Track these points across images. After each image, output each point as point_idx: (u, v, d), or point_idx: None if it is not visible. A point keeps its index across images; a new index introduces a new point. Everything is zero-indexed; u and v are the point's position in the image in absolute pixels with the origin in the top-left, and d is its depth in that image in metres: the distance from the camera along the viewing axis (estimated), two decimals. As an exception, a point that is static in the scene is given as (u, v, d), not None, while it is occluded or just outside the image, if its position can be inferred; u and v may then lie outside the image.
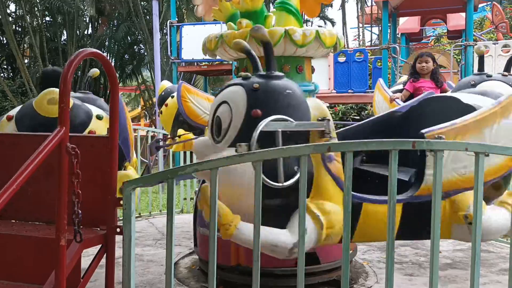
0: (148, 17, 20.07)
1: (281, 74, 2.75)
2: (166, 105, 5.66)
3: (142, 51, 21.95)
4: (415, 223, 2.57)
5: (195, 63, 11.96)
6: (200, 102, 5.12)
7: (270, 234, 2.31)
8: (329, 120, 2.55)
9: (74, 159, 1.85)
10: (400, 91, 5.56)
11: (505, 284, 2.44)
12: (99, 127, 3.24)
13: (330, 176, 2.46)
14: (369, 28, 26.23)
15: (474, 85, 3.84)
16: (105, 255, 2.20)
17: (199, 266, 4.27)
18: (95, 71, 4.29)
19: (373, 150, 2.15)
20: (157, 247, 5.10)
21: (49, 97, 3.13)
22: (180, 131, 4.93)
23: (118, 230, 2.16)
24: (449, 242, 5.35)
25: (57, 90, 3.41)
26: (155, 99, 12.61)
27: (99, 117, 3.36)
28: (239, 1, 3.54)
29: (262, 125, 2.31)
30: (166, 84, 6.07)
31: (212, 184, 1.96)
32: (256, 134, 2.30)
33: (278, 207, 2.46)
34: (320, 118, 2.55)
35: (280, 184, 2.33)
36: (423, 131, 2.47)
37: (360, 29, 26.40)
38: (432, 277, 1.87)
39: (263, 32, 2.76)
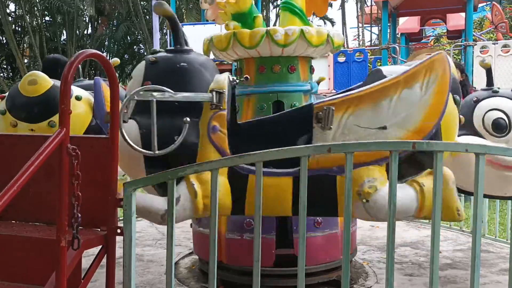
0: (147, 17, 20.08)
1: (188, 49, 2.88)
2: None
3: (142, 51, 21.96)
4: (315, 199, 2.43)
5: (195, 63, 11.93)
6: None
7: (146, 200, 2.37)
8: (219, 92, 2.54)
9: (74, 160, 1.85)
10: None
11: (505, 284, 2.44)
12: (76, 107, 3.41)
13: (214, 146, 2.50)
14: (369, 28, 26.24)
15: (476, 102, 3.64)
16: (105, 256, 2.20)
17: (199, 266, 4.28)
18: (115, 60, 4.39)
19: None
20: (157, 247, 5.10)
21: (30, 79, 3.46)
22: None
23: (118, 230, 2.16)
24: (449, 242, 5.36)
25: (39, 72, 3.58)
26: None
27: (77, 98, 3.56)
28: (224, 4, 3.56)
29: (131, 94, 2.44)
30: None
31: (212, 184, 1.96)
32: (124, 102, 2.43)
33: None
34: (210, 90, 2.56)
35: (152, 152, 2.42)
36: (313, 103, 2.48)
37: (360, 29, 26.40)
38: (432, 277, 1.87)
39: (165, 7, 2.79)
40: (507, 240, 5.40)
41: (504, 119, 3.54)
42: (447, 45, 13.04)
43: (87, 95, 3.80)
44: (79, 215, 1.85)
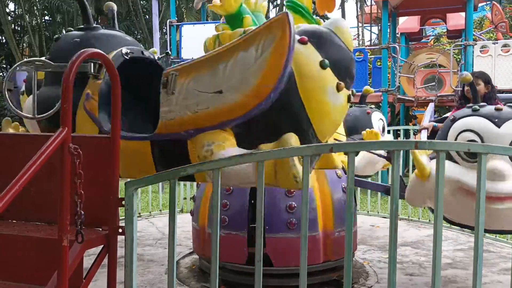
0: (147, 16, 20.07)
1: (95, 26, 3.13)
2: None
3: (142, 50, 21.92)
4: (165, 161, 2.64)
5: (195, 63, 11.91)
6: None
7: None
8: (97, 63, 2.78)
9: (76, 160, 1.85)
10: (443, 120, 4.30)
11: (506, 284, 2.44)
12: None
13: (87, 114, 2.69)
14: (369, 28, 26.22)
15: (453, 121, 3.25)
16: (107, 255, 2.19)
17: (199, 265, 4.28)
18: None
19: None
20: (158, 247, 5.10)
21: None
22: None
23: (120, 230, 2.16)
24: (449, 242, 5.36)
25: None
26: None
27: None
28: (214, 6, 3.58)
29: (15, 65, 2.86)
30: None
31: (215, 184, 1.96)
32: (8, 73, 3.08)
33: None
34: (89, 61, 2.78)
35: (32, 116, 2.78)
36: (165, 70, 2.56)
37: (360, 29, 26.38)
38: (434, 278, 1.87)
39: None
40: (507, 240, 5.40)
41: (476, 142, 3.03)
42: (447, 44, 13.03)
43: None
44: (83, 212, 1.85)
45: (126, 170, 2.70)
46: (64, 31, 5.23)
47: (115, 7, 3.46)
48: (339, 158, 2.30)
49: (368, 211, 6.97)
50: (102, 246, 2.19)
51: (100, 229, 2.21)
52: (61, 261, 1.81)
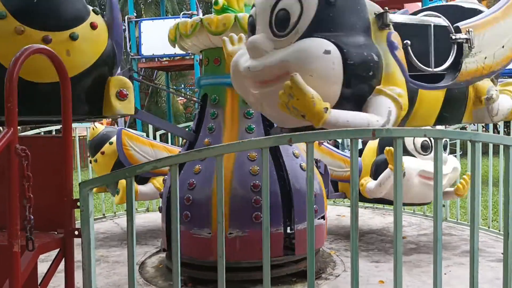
0: (105, 12, 19.55)
1: None
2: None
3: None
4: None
5: (156, 59, 11.73)
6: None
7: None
8: None
9: (24, 161, 1.76)
10: None
11: (468, 265, 2.49)
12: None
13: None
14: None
15: None
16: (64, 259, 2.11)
17: (166, 264, 4.22)
18: None
19: None
20: (123, 248, 4.99)
21: None
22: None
23: (76, 232, 2.08)
24: (413, 227, 5.47)
25: None
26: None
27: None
28: None
29: None
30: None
31: (173, 180, 1.91)
32: None
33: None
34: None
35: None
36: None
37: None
38: (396, 263, 1.88)
39: None
40: (468, 223, 5.56)
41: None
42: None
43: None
44: (32, 217, 1.76)
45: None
46: None
47: None
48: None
49: (334, 201, 7.04)
50: (58, 249, 2.11)
51: (56, 232, 2.12)
52: (12, 268, 1.72)
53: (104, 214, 6.54)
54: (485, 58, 2.96)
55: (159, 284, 3.85)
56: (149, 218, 6.32)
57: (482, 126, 6.01)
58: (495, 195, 6.80)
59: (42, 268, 2.13)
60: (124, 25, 13.21)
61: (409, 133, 2.07)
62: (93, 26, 2.92)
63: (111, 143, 5.04)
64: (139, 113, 3.68)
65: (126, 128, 5.07)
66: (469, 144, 4.62)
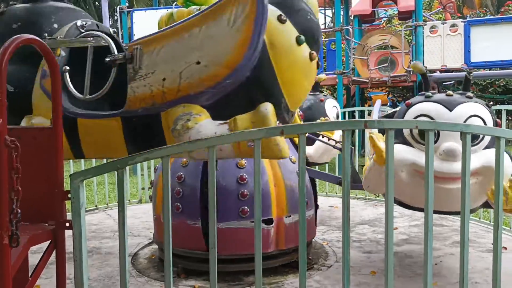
0: (97, 3, 19.37)
1: None
2: None
3: (93, 38, 21.22)
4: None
5: (148, 50, 11.62)
6: None
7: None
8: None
9: (14, 153, 1.74)
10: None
11: (458, 256, 2.52)
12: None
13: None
14: (323, 11, 26.34)
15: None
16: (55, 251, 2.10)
17: (158, 255, 4.22)
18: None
19: None
20: (115, 239, 4.98)
21: None
22: None
23: (67, 224, 2.07)
24: (404, 218, 5.51)
25: None
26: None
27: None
28: None
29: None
30: None
31: (164, 172, 1.90)
32: None
33: None
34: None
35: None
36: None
37: (314, 12, 26.44)
38: (387, 254, 1.89)
39: None
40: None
41: None
42: (399, 26, 13.28)
43: None
44: (19, 210, 1.74)
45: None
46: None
47: None
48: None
49: (326, 193, 7.08)
50: (49, 241, 2.09)
51: (47, 224, 2.11)
52: (2, 261, 1.71)
53: (96, 206, 6.53)
54: (164, 79, 2.43)
55: (152, 275, 3.85)
56: (142, 209, 6.32)
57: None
58: (486, 186, 6.84)
59: (34, 259, 2.12)
60: (116, 16, 13.09)
61: (401, 124, 2.07)
62: None
63: None
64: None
65: None
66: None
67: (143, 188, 7.09)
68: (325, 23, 26.52)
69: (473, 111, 3.06)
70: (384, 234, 1.84)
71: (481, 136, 2.95)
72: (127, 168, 1.93)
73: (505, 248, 4.20)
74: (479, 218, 5.27)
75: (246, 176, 3.53)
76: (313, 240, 4.32)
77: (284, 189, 3.70)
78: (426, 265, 1.88)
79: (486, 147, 3.06)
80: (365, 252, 4.30)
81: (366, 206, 6.28)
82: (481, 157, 2.97)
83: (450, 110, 3.08)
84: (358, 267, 3.86)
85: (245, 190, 3.51)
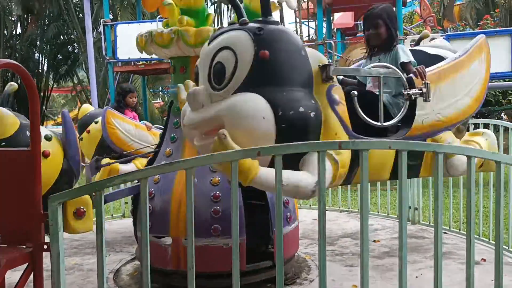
0: (81, 15, 19.33)
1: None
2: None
3: (77, 50, 21.15)
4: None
5: (132, 63, 11.63)
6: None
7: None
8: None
9: (-10, 177, 1.75)
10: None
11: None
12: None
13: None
14: (307, 23, 26.63)
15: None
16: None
17: (141, 272, 4.20)
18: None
19: None
20: (97, 256, 4.94)
21: None
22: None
23: (45, 246, 2.06)
24: (386, 231, 5.56)
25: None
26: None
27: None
28: None
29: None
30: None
31: (142, 192, 1.91)
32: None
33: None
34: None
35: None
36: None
37: (298, 24, 26.76)
38: (362, 266, 1.92)
39: None
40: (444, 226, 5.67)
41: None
42: (381, 38, 13.43)
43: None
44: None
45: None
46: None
47: None
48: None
49: (310, 205, 7.10)
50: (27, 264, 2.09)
51: (24, 247, 2.10)
52: (-22, 285, 1.70)
53: (78, 221, 6.47)
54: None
55: (134, 292, 3.83)
56: (125, 224, 6.27)
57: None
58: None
59: (15, 277, 2.10)
60: (99, 29, 13.07)
61: (374, 145, 2.12)
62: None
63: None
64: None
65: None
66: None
67: (126, 203, 7.04)
68: (309, 36, 26.78)
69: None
70: (360, 250, 1.87)
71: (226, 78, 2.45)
72: (105, 190, 1.93)
73: (484, 259, 4.27)
74: (459, 230, 5.34)
75: (220, 194, 3.52)
76: (296, 253, 4.34)
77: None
78: (401, 280, 1.91)
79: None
80: (347, 266, 4.33)
81: (349, 219, 6.32)
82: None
83: None
84: (340, 281, 3.89)
85: (218, 207, 3.50)
